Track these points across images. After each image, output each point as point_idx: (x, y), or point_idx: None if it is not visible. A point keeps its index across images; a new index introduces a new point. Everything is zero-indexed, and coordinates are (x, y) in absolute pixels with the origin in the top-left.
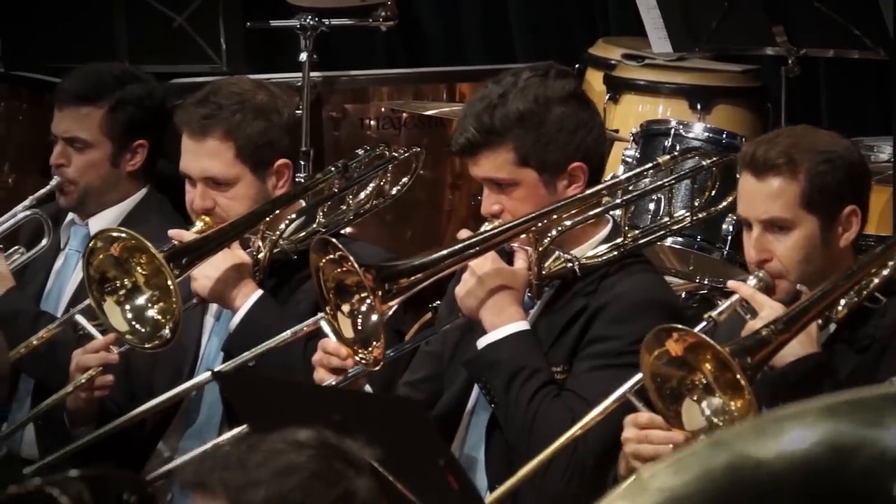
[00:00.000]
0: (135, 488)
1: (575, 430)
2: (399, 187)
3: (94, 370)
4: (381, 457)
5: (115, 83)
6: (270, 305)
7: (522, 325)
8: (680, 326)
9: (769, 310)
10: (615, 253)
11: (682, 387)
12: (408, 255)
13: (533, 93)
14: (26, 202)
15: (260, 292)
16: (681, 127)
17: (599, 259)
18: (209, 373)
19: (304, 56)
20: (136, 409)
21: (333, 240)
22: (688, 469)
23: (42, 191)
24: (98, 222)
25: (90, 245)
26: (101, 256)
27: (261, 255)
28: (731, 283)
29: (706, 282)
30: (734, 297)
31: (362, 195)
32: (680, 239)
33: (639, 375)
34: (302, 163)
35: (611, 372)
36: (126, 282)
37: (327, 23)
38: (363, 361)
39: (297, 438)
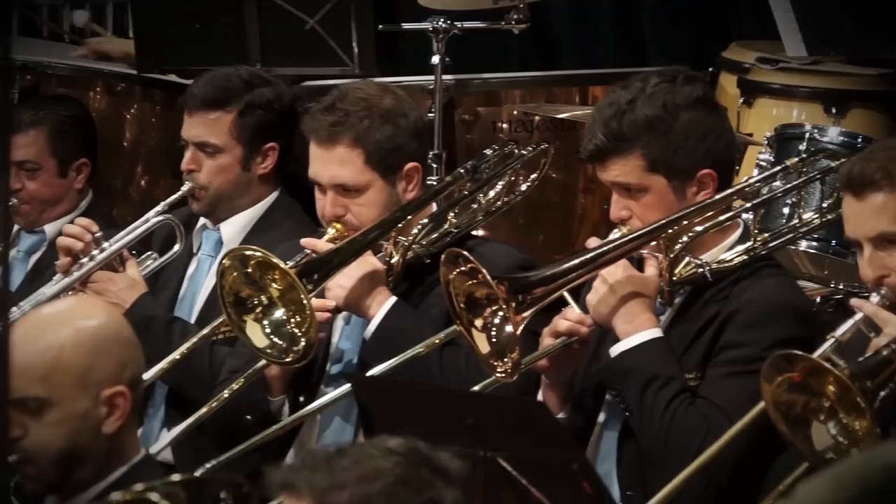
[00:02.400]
0: (232, 488)
1: (720, 444)
2: (529, 185)
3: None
4: (513, 459)
5: (243, 87)
6: (405, 311)
7: (655, 333)
8: (798, 353)
9: (893, 327)
10: (746, 257)
11: (808, 411)
12: (540, 259)
13: (661, 99)
14: (158, 208)
15: (394, 299)
16: (815, 131)
17: (730, 264)
18: (349, 384)
19: (436, 59)
20: (291, 416)
21: (464, 252)
22: (845, 485)
23: (174, 196)
24: (230, 227)
25: (221, 265)
26: (233, 275)
27: (394, 261)
28: (853, 302)
29: (841, 286)
30: (858, 316)
31: (492, 194)
32: (814, 243)
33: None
34: (434, 166)
35: (744, 378)
36: (262, 298)
37: (459, 25)
38: (501, 373)
39: (387, 445)
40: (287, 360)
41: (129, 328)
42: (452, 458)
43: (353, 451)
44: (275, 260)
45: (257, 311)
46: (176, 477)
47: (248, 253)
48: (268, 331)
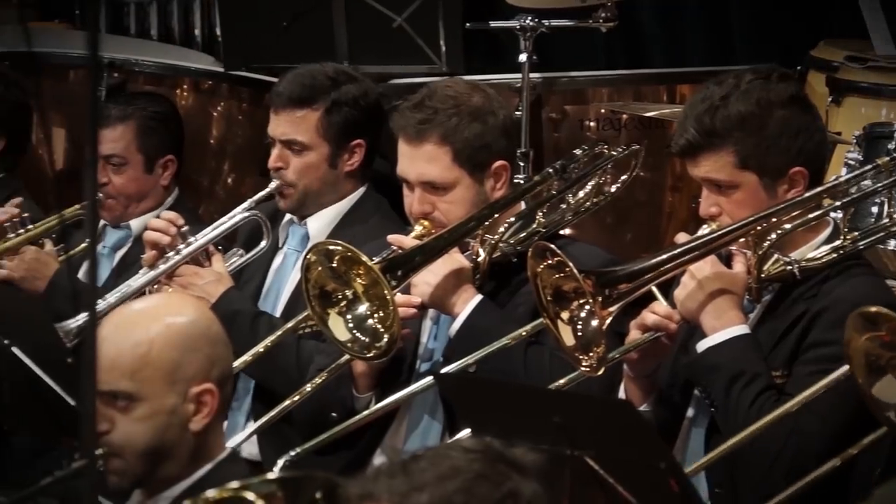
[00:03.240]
0: (326, 488)
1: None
2: (618, 185)
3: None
4: (600, 458)
5: (329, 84)
6: (490, 310)
7: (742, 329)
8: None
9: None
10: (835, 255)
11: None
12: (628, 258)
13: (755, 95)
14: (245, 204)
15: (480, 297)
16: None
17: (819, 262)
18: (431, 377)
19: (523, 57)
20: (366, 411)
21: (552, 245)
22: None
23: (261, 193)
24: (316, 222)
25: (306, 259)
26: (318, 269)
27: (480, 260)
28: None
29: None
30: None
31: (581, 194)
32: None
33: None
34: (521, 164)
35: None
36: (346, 293)
37: (547, 24)
38: (586, 367)
39: (462, 444)
40: (369, 355)
41: (219, 326)
42: (527, 451)
43: (429, 453)
44: (360, 255)
45: (341, 305)
46: (272, 475)
47: (333, 248)
48: (351, 325)
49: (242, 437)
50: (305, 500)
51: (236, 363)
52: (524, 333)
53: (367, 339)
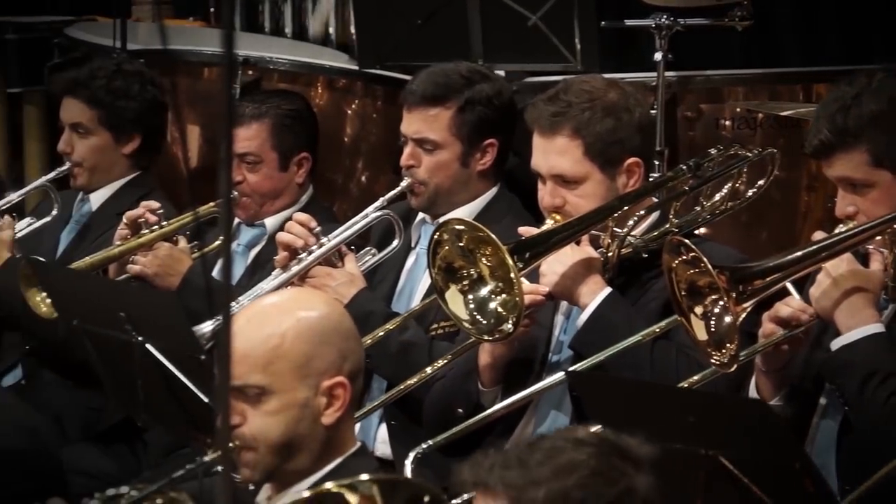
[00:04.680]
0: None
1: None
2: (755, 189)
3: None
4: (735, 458)
5: (463, 83)
6: (619, 303)
7: (877, 328)
8: None
9: None
10: None
11: None
12: (762, 257)
13: (888, 94)
14: (377, 203)
15: (608, 290)
16: None
17: None
18: (562, 373)
19: (658, 55)
20: (495, 406)
21: (687, 241)
22: None
23: (393, 191)
24: None
25: (436, 236)
26: (447, 247)
27: (610, 253)
28: None
29: None
30: None
31: (717, 196)
32: None
33: None
34: (656, 162)
35: None
36: (471, 272)
37: (683, 22)
38: (718, 363)
39: (576, 436)
40: (489, 338)
41: (350, 320)
42: (642, 443)
43: (544, 444)
44: (489, 235)
45: (465, 282)
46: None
47: (462, 227)
48: (472, 305)
49: (366, 410)
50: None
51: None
52: (657, 330)
53: (489, 322)
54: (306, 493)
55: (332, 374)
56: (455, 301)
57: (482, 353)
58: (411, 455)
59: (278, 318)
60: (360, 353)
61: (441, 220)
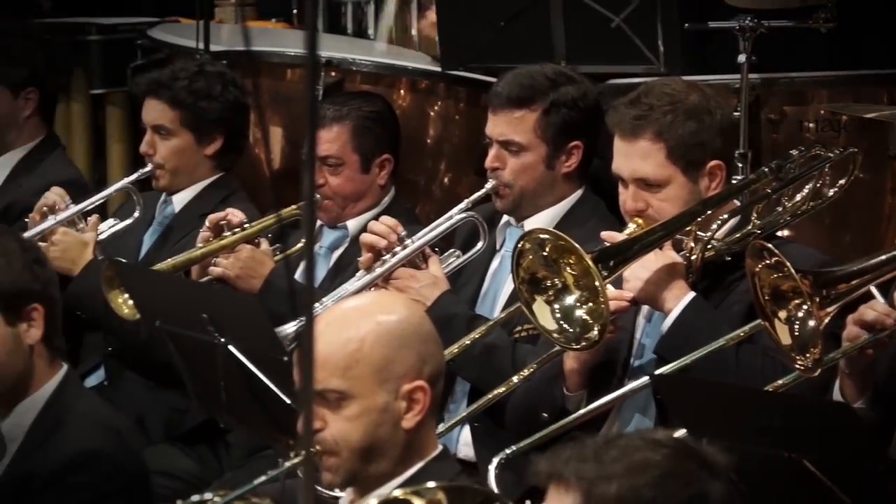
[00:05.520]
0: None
1: None
2: (836, 189)
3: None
4: (818, 461)
5: (548, 85)
6: (703, 308)
7: None
8: None
9: None
10: None
11: None
12: (846, 260)
13: None
14: (462, 205)
15: (692, 294)
16: None
17: None
18: (647, 377)
19: (742, 58)
20: (580, 410)
21: (769, 245)
22: None
23: (477, 193)
24: (533, 224)
25: (519, 246)
26: (530, 257)
27: (693, 257)
28: None
29: None
30: None
31: (798, 197)
32: None
33: None
34: (739, 165)
35: None
36: (556, 281)
37: (766, 24)
38: (801, 367)
39: (654, 437)
40: (577, 346)
41: (430, 324)
42: (719, 451)
43: (621, 442)
44: (573, 244)
45: (550, 293)
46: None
47: (545, 236)
48: (558, 315)
49: (448, 424)
50: None
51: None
52: (742, 334)
53: (575, 330)
54: (374, 502)
55: (411, 378)
56: (542, 313)
57: (567, 359)
58: (495, 460)
59: (357, 323)
60: (441, 356)
61: (525, 223)
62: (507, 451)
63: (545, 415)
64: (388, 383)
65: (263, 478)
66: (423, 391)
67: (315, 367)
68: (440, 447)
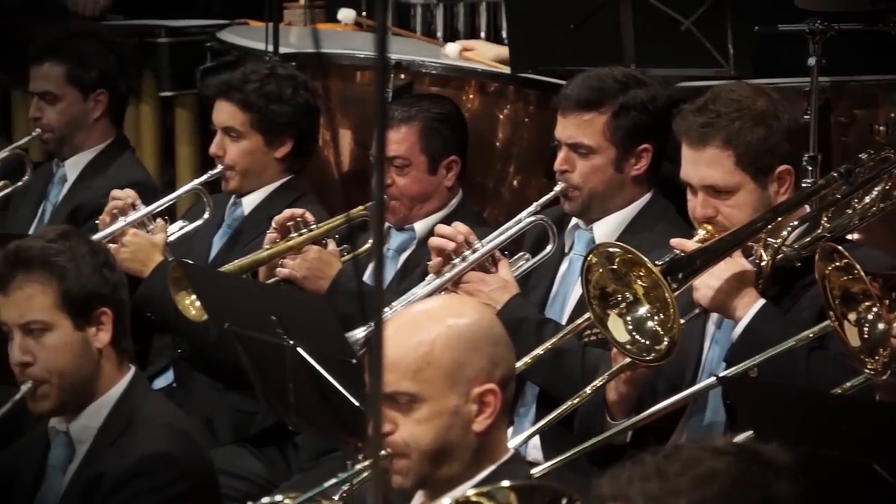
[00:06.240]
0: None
1: None
2: None
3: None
4: (888, 465)
5: (617, 88)
6: (773, 315)
7: None
8: None
9: None
10: None
11: None
12: None
13: None
14: (531, 208)
15: (762, 302)
16: None
17: None
18: (713, 378)
19: (812, 60)
20: (640, 414)
21: (839, 247)
22: None
23: (547, 196)
24: (602, 227)
25: (587, 260)
26: (599, 271)
27: (763, 264)
28: None
29: None
30: None
31: (867, 199)
32: None
33: None
34: (809, 168)
35: None
36: (626, 294)
37: (836, 27)
38: (871, 370)
39: (714, 445)
40: (648, 358)
41: (501, 327)
42: (780, 450)
43: (682, 455)
44: (641, 257)
45: (621, 306)
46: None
47: (614, 249)
48: (630, 327)
49: (522, 438)
50: None
51: (518, 365)
52: (811, 335)
53: (646, 342)
54: (446, 501)
55: (482, 382)
56: (615, 326)
57: (609, 391)
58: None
59: (428, 326)
60: (512, 359)
61: (594, 226)
62: (560, 457)
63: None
64: (458, 386)
65: (333, 480)
66: (493, 394)
67: (386, 369)
68: (511, 451)
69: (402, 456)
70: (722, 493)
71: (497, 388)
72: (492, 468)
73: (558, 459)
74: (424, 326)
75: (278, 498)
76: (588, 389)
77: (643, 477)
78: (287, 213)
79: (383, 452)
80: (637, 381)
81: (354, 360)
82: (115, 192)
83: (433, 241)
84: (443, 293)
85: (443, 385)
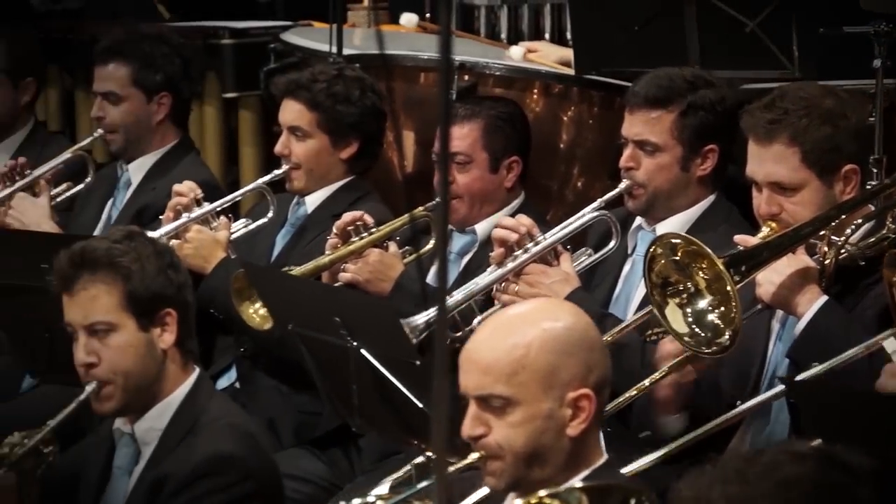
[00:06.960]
0: (632, 497)
1: None
2: None
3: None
4: None
5: (687, 87)
6: (836, 312)
7: None
8: None
9: None
10: None
11: None
12: None
13: None
14: (595, 204)
15: (825, 298)
16: None
17: None
18: (782, 385)
19: (877, 62)
20: (721, 418)
21: None
22: None
23: (611, 193)
24: (666, 228)
25: (651, 251)
26: (662, 262)
27: (827, 262)
28: None
29: None
30: None
31: None
32: None
33: None
34: (874, 170)
35: None
36: (688, 286)
37: None
38: None
39: (795, 449)
40: (708, 350)
41: (597, 331)
42: (861, 455)
43: (763, 458)
44: (704, 249)
45: (682, 297)
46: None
47: (677, 241)
48: (690, 319)
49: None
50: None
51: None
52: (880, 342)
53: (707, 335)
54: (519, 502)
55: (577, 386)
56: (674, 317)
57: (660, 389)
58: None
59: (523, 329)
60: (607, 364)
61: (658, 226)
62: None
63: (648, 433)
64: (553, 390)
65: (421, 486)
66: (588, 399)
67: (480, 372)
68: (606, 455)
69: (496, 458)
70: (804, 497)
71: (592, 392)
72: (586, 472)
73: (653, 457)
74: (520, 329)
75: (371, 499)
76: (647, 382)
77: (724, 480)
78: (347, 217)
79: (478, 455)
80: (683, 387)
81: (418, 363)
82: (177, 187)
83: (496, 231)
84: (504, 285)
85: (537, 389)
